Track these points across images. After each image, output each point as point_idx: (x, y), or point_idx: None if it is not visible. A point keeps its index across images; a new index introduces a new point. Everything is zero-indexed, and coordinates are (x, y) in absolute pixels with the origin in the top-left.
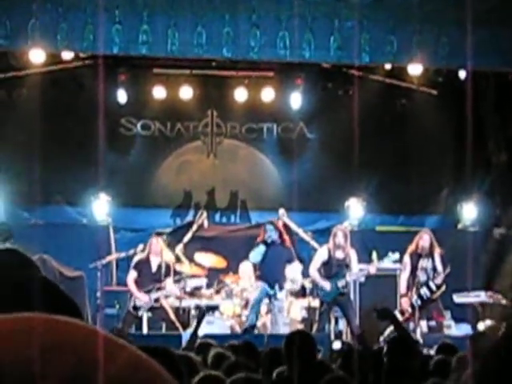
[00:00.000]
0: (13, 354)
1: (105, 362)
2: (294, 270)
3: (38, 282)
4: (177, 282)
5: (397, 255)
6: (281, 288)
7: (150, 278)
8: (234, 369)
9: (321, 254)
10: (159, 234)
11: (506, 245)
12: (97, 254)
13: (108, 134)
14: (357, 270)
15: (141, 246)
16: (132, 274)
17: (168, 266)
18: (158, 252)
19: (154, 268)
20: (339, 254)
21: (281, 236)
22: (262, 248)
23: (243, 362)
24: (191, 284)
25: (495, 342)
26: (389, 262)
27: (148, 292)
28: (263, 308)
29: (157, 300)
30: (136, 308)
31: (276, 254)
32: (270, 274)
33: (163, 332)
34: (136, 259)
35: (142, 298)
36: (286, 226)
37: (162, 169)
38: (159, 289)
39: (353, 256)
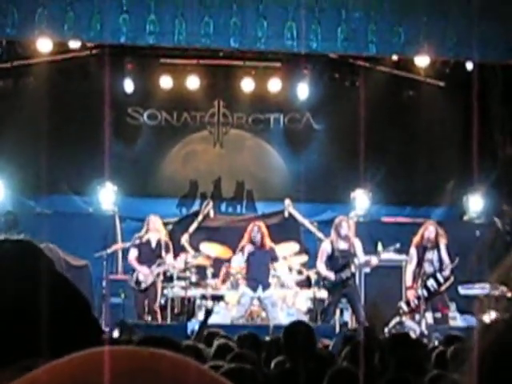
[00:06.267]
0: None
1: None
2: (278, 271)
3: (49, 277)
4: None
5: (398, 245)
6: (265, 288)
7: (151, 255)
8: (238, 359)
9: (325, 248)
10: (165, 224)
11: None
12: (102, 243)
13: (114, 123)
14: (362, 261)
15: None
16: (133, 253)
17: (167, 243)
18: (156, 229)
19: (153, 244)
20: (343, 245)
21: (262, 239)
22: (239, 257)
23: (247, 352)
24: (194, 262)
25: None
26: (391, 253)
27: (150, 267)
28: (257, 309)
29: (158, 275)
30: (138, 282)
31: (259, 258)
32: (253, 279)
33: (168, 322)
34: (136, 237)
35: (143, 271)
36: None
37: (169, 158)
38: (160, 264)
39: (357, 246)
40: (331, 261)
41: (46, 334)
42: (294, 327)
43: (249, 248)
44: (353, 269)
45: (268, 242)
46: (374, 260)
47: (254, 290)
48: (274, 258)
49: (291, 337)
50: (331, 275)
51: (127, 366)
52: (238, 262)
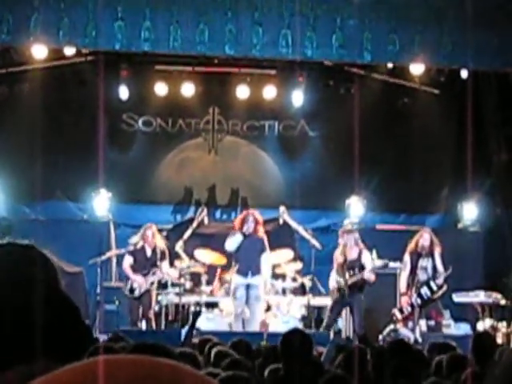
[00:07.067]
0: None
1: None
2: (266, 261)
3: (41, 284)
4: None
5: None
6: (254, 274)
7: (146, 263)
8: (233, 367)
9: (336, 256)
10: (159, 231)
11: None
12: (97, 249)
13: (109, 129)
14: (366, 276)
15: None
16: (127, 260)
17: (163, 250)
18: (153, 243)
19: (148, 252)
20: (352, 255)
21: (256, 226)
22: (238, 237)
23: (242, 360)
24: (189, 270)
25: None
26: (385, 260)
27: (144, 275)
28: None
29: (152, 283)
30: (132, 290)
31: (250, 244)
32: (244, 264)
33: (162, 329)
34: (131, 245)
35: (137, 280)
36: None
37: (163, 165)
38: (155, 273)
39: (366, 257)
40: (341, 269)
41: (36, 341)
42: (292, 335)
43: (241, 234)
44: (359, 278)
45: (261, 230)
46: (372, 277)
47: (245, 275)
48: (264, 248)
49: (288, 345)
50: (334, 283)
51: (129, 374)
52: (232, 244)
